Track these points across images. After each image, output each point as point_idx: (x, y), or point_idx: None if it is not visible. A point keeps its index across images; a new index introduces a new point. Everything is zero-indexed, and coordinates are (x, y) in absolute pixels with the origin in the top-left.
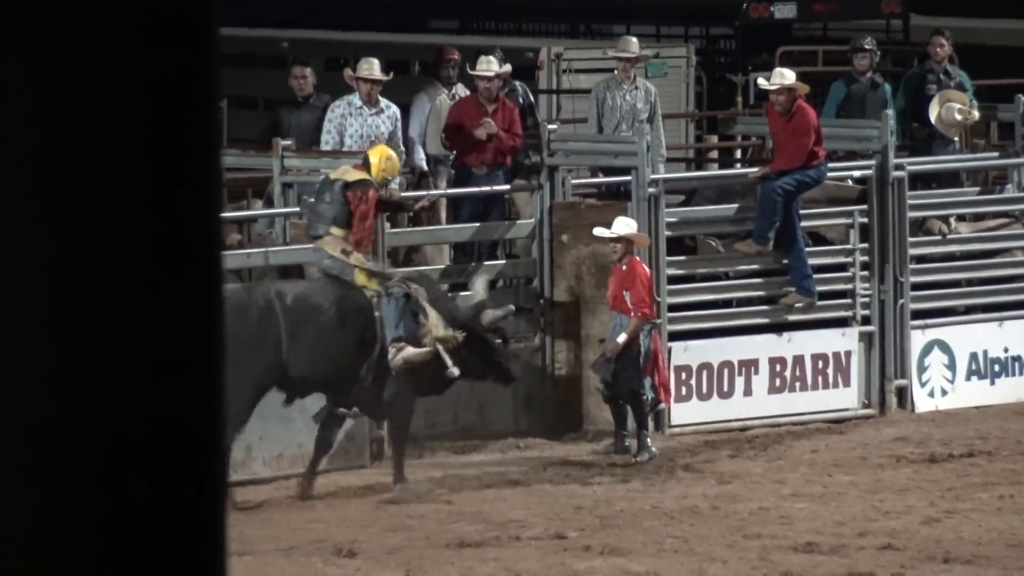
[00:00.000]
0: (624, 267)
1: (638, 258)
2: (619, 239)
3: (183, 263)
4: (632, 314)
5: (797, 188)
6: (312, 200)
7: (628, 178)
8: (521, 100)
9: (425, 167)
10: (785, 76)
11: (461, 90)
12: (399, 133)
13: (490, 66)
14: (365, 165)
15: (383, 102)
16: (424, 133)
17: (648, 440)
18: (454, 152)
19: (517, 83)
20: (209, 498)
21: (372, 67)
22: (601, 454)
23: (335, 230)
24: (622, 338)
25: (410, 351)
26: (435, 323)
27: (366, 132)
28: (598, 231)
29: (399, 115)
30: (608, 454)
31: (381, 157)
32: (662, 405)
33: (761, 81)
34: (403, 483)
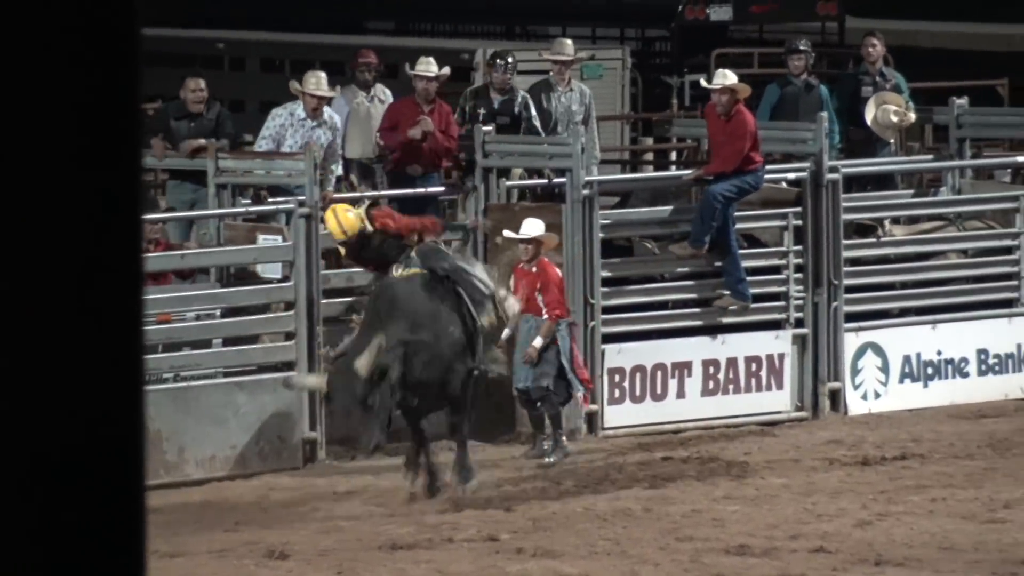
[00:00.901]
0: (534, 268)
1: (546, 259)
2: (530, 240)
3: (104, 266)
4: (546, 315)
5: (737, 194)
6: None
7: (564, 180)
8: (518, 110)
9: (341, 171)
10: (727, 77)
11: (380, 91)
12: (338, 141)
13: (429, 67)
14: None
15: (326, 113)
16: (343, 136)
17: (563, 439)
18: (383, 156)
19: (521, 93)
20: (129, 502)
21: (320, 82)
22: (524, 459)
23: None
24: (538, 342)
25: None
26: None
27: (304, 142)
28: (507, 233)
29: (339, 125)
30: (530, 459)
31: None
32: (582, 398)
33: (703, 81)
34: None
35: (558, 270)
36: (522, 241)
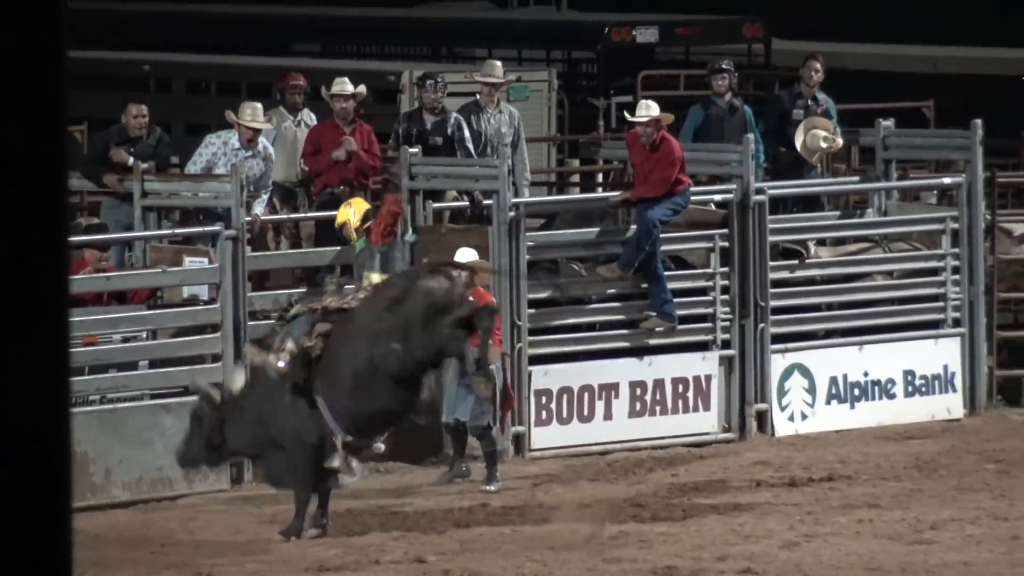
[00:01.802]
0: (471, 298)
1: (482, 288)
2: (465, 267)
3: (30, 285)
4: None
5: (672, 216)
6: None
7: (490, 201)
8: (451, 131)
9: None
10: (651, 108)
11: (307, 116)
12: (270, 172)
13: (344, 87)
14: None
15: (260, 143)
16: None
17: (497, 473)
18: (306, 181)
19: (453, 114)
20: (55, 524)
21: (256, 114)
22: (441, 483)
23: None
24: (500, 377)
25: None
26: None
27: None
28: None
29: (274, 155)
30: (447, 483)
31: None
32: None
33: (627, 115)
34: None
35: (493, 297)
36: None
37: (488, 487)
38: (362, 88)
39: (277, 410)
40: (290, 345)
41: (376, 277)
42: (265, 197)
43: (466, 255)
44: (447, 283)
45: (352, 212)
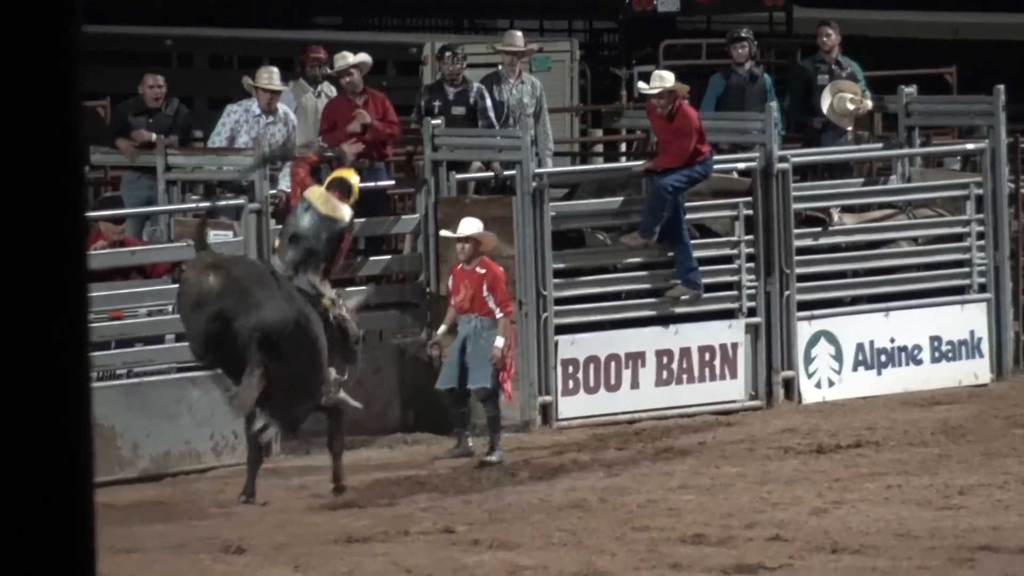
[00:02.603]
0: (479, 269)
1: (488, 258)
2: (467, 239)
3: (48, 262)
4: (500, 314)
5: (687, 184)
6: (300, 233)
7: (513, 172)
8: (472, 101)
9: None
10: (665, 79)
11: (327, 88)
12: (293, 139)
13: (346, 60)
14: (341, 188)
15: (281, 109)
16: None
17: (500, 442)
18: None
19: (475, 84)
20: (76, 497)
21: (272, 77)
22: (445, 458)
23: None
24: (500, 341)
25: (347, 397)
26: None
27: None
28: (444, 233)
29: (295, 121)
30: (454, 457)
31: (356, 184)
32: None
33: (641, 85)
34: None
35: (500, 267)
36: (459, 240)
37: (490, 457)
38: (363, 56)
39: None
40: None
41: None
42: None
43: (469, 225)
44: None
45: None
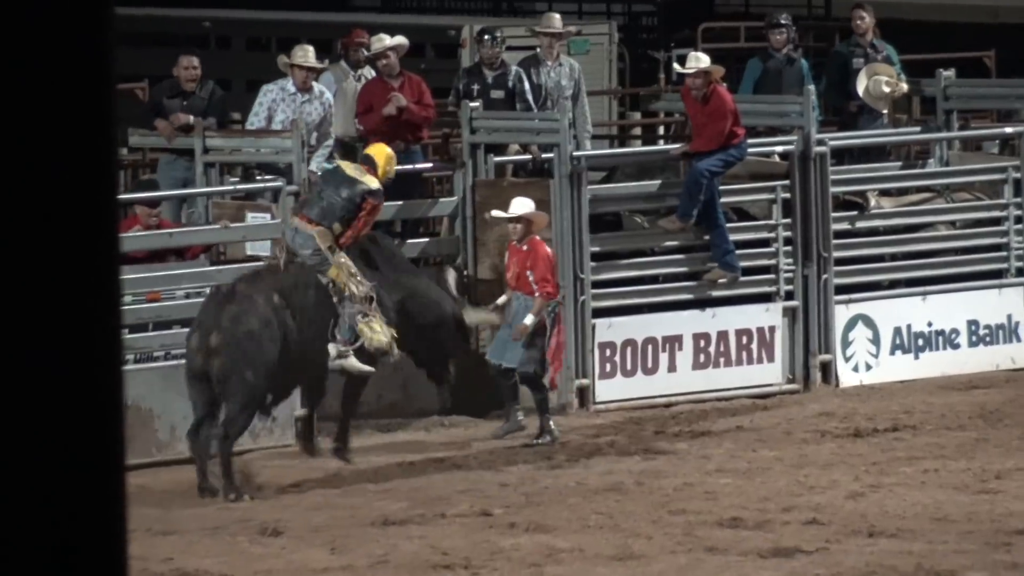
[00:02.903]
0: (525, 247)
1: (538, 238)
2: (518, 219)
3: (79, 244)
4: (536, 293)
5: (723, 168)
6: (322, 186)
7: (551, 155)
8: (511, 84)
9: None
10: (700, 60)
11: (368, 72)
12: (329, 118)
13: (383, 42)
14: (368, 163)
15: (316, 88)
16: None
17: (551, 423)
18: (367, 136)
19: (514, 67)
20: (107, 479)
21: (307, 54)
22: (496, 437)
23: (336, 226)
24: (529, 319)
25: (353, 362)
26: (379, 332)
27: (294, 117)
28: (496, 213)
29: (331, 101)
30: (503, 435)
31: (385, 158)
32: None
33: (676, 66)
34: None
35: (548, 248)
36: (510, 220)
37: (540, 440)
38: (400, 39)
39: None
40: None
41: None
42: (324, 152)
43: (520, 205)
44: None
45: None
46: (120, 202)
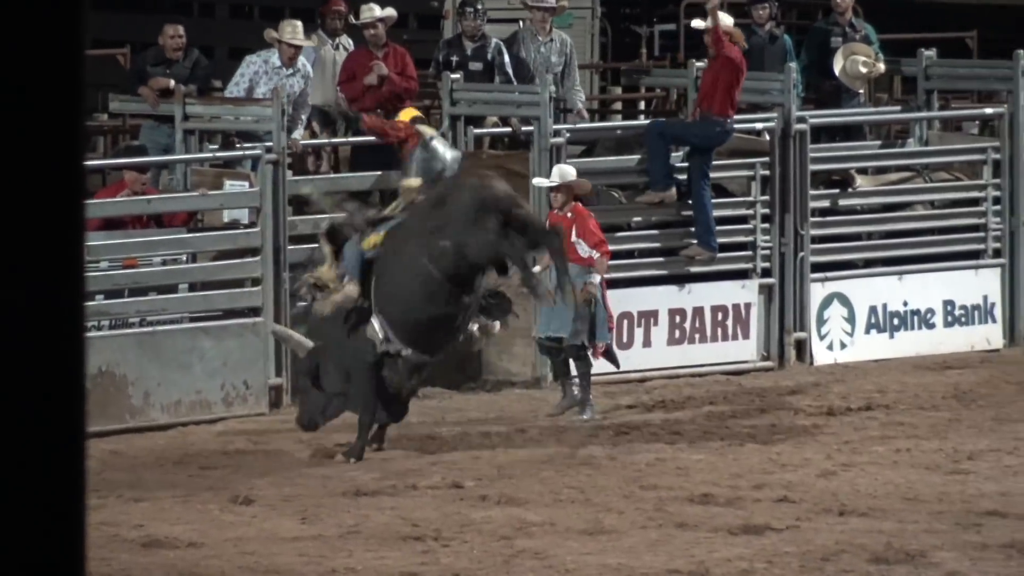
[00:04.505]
0: (569, 214)
1: (580, 204)
2: (559, 187)
3: (43, 211)
4: (598, 253)
5: (680, 132)
6: (448, 166)
7: (531, 128)
8: (491, 56)
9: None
10: (723, 19)
11: (345, 41)
12: (309, 90)
13: (372, 12)
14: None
15: (299, 62)
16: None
17: (591, 400)
18: (350, 105)
19: (494, 40)
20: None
21: (296, 31)
22: (557, 414)
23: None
24: (597, 278)
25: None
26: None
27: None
28: (537, 181)
29: (311, 73)
30: (560, 411)
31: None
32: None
33: (696, 21)
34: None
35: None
36: (552, 189)
37: (581, 416)
38: (389, 11)
39: (342, 335)
40: (350, 288)
41: (414, 182)
42: (304, 118)
43: (561, 173)
44: (493, 182)
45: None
46: (99, 168)
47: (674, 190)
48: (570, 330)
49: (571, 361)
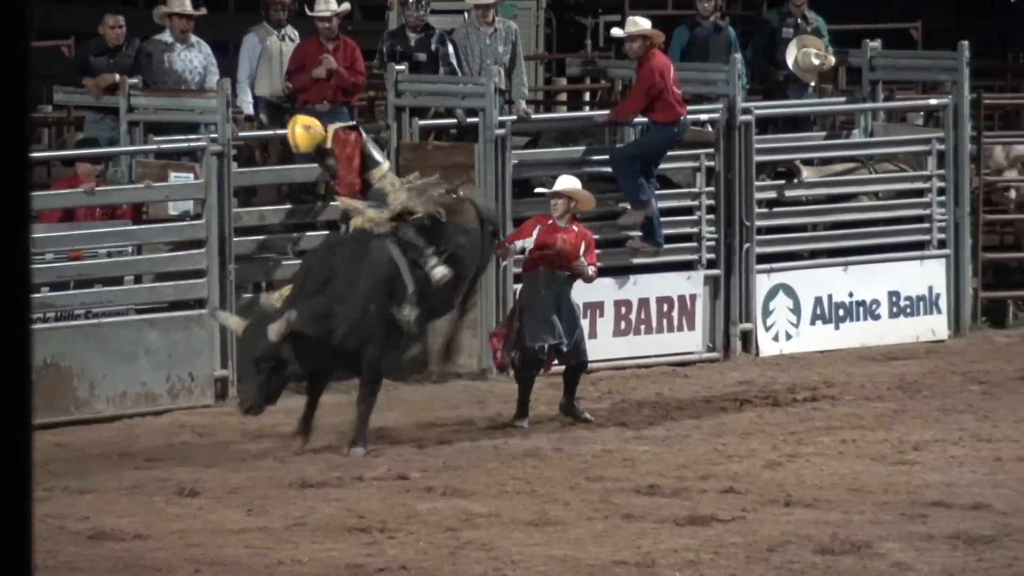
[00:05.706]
0: (575, 228)
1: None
2: (560, 195)
3: None
4: (592, 271)
5: (645, 149)
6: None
7: (476, 119)
8: (434, 47)
9: (251, 110)
10: (638, 23)
11: (291, 32)
12: (215, 70)
13: (328, 5)
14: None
15: (193, 38)
16: (254, 75)
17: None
18: (293, 97)
19: (437, 30)
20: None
21: (183, 2)
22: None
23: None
24: (591, 271)
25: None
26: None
27: (180, 68)
28: (540, 189)
29: (211, 53)
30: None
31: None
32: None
33: (615, 30)
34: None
35: None
36: (553, 195)
37: (584, 416)
38: (346, 6)
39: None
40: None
41: (384, 166)
42: (247, 107)
43: (566, 182)
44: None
45: (291, 132)
46: (44, 160)
47: (654, 201)
48: (568, 340)
49: (569, 374)
